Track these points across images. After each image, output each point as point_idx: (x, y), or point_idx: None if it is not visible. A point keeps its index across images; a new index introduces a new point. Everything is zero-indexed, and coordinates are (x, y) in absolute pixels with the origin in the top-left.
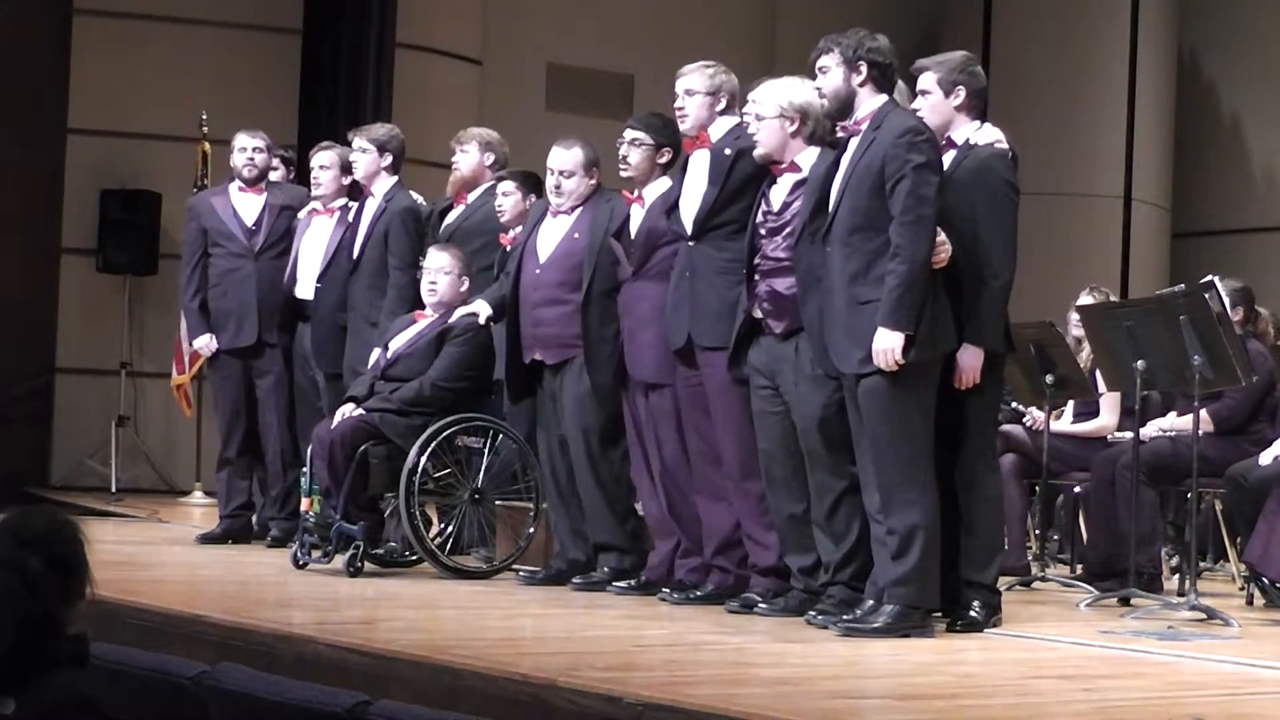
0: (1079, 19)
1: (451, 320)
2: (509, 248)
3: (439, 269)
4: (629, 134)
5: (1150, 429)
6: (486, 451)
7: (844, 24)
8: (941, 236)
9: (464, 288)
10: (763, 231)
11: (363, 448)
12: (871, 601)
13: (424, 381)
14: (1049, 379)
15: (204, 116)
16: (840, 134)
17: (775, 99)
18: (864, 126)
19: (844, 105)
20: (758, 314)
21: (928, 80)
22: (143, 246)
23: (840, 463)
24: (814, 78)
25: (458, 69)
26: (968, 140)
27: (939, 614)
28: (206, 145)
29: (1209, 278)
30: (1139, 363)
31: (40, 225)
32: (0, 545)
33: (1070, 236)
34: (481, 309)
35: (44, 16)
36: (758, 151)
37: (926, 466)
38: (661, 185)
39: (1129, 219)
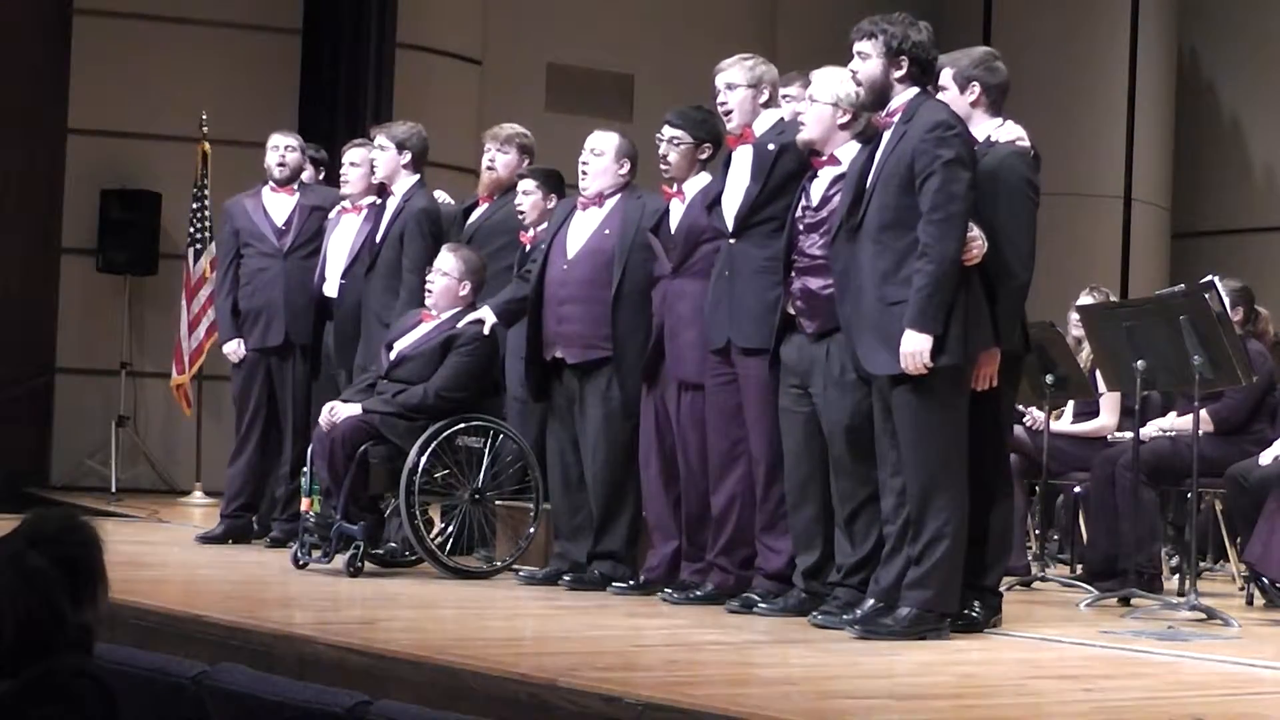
0: (1079, 19)
1: (459, 326)
2: (528, 247)
3: (438, 270)
4: (668, 132)
5: (1150, 429)
6: (486, 451)
7: (843, 24)
8: (975, 231)
9: (464, 292)
10: (801, 227)
11: (363, 448)
12: (872, 600)
13: (428, 389)
14: (1049, 379)
15: (204, 116)
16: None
17: (834, 87)
18: (895, 119)
19: (880, 95)
20: (791, 311)
21: (945, 76)
22: (143, 246)
23: (865, 471)
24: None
25: (458, 69)
26: (989, 137)
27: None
28: (206, 145)
29: (1209, 278)
30: (1139, 363)
31: (40, 225)
32: (10, 543)
33: (1070, 236)
34: (487, 316)
35: (44, 16)
36: (801, 136)
37: (959, 473)
38: (702, 180)
39: (1129, 219)
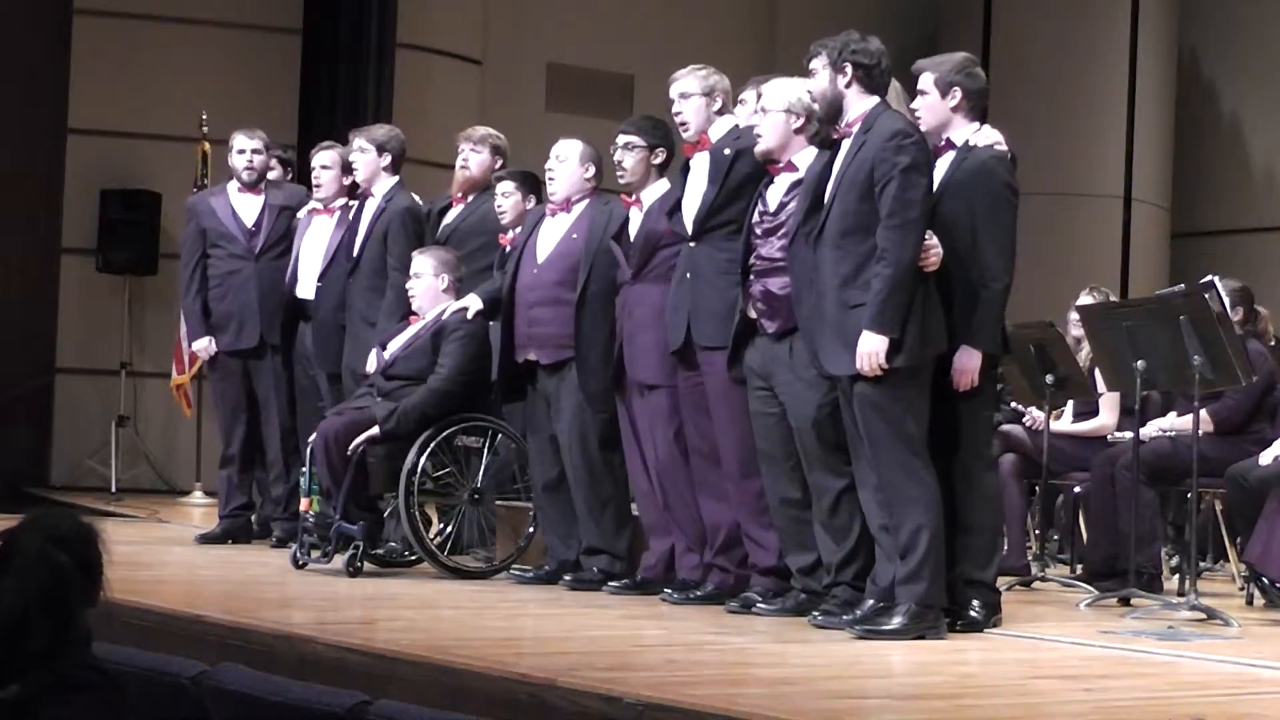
0: (1079, 19)
1: (445, 318)
2: (508, 248)
3: (414, 274)
4: (621, 139)
5: (1150, 429)
6: (486, 451)
7: (843, 24)
8: (933, 240)
9: (443, 287)
10: (758, 231)
11: (362, 448)
12: (872, 600)
13: (432, 384)
14: (1049, 379)
15: (204, 116)
16: (834, 137)
17: (784, 95)
18: (855, 129)
19: (834, 108)
20: (752, 314)
21: (925, 81)
22: (143, 246)
23: (837, 462)
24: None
25: (458, 69)
26: (967, 142)
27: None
28: (206, 145)
29: (1209, 278)
30: (1139, 363)
31: (40, 225)
32: (30, 540)
33: (1070, 236)
34: (472, 303)
35: (44, 16)
36: (759, 147)
37: (925, 465)
38: (660, 188)
39: (1129, 219)
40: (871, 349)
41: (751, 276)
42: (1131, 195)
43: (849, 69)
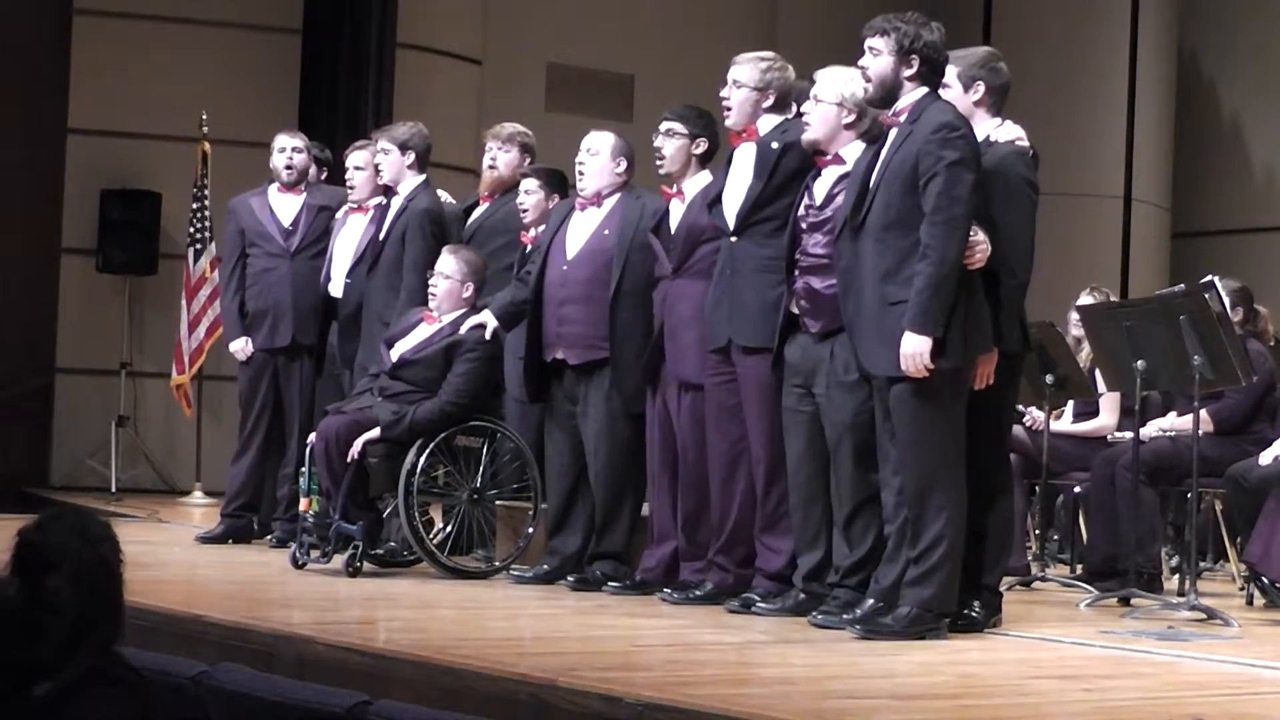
0: (1079, 19)
1: (461, 332)
2: (529, 247)
3: (440, 272)
4: (663, 125)
5: (1150, 429)
6: (486, 451)
7: (843, 24)
8: (980, 236)
9: (467, 294)
10: (804, 226)
11: (362, 448)
12: (872, 600)
13: (441, 403)
14: (1049, 379)
15: (204, 116)
16: (880, 125)
17: (838, 87)
18: (902, 119)
19: (890, 93)
20: (795, 310)
21: (948, 74)
22: (143, 246)
23: (865, 472)
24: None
25: (458, 69)
26: (988, 137)
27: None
28: (206, 145)
29: (1209, 278)
30: (1139, 363)
31: (40, 225)
32: (69, 539)
33: (1070, 236)
34: (488, 320)
35: (44, 16)
36: (806, 136)
37: (956, 473)
38: (701, 180)
39: (1129, 219)
40: (915, 350)
41: (796, 273)
42: (1131, 195)
43: (916, 62)
